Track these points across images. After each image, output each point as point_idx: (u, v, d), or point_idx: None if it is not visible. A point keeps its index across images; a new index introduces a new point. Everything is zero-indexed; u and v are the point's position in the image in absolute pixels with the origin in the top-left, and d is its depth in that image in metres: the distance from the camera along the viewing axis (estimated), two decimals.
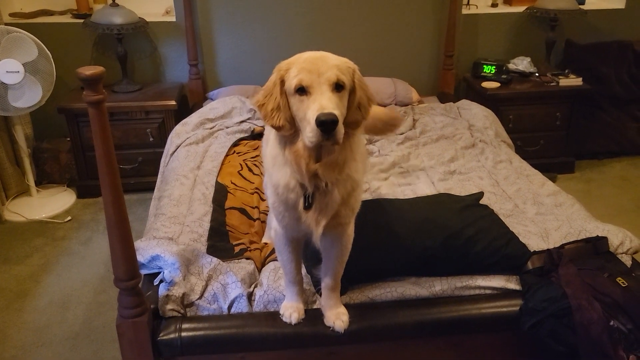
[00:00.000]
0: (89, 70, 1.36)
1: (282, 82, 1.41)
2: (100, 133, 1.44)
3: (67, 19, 3.60)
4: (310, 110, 1.33)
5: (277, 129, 1.43)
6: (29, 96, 3.06)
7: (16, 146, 3.38)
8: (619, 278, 1.81)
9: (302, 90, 1.36)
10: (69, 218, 3.28)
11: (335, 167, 1.44)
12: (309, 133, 1.33)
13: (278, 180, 1.50)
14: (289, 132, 1.41)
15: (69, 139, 3.44)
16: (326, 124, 1.29)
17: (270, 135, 1.58)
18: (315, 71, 1.35)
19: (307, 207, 1.49)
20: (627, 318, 1.70)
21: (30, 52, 3.01)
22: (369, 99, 1.47)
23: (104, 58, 3.60)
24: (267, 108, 1.43)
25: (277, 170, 1.51)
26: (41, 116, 3.50)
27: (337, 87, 1.37)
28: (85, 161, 3.42)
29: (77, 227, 3.21)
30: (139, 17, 3.39)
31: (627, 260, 1.96)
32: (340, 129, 1.33)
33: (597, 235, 2.00)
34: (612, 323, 1.69)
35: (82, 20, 3.43)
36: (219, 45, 3.66)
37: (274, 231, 1.69)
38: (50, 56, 3.10)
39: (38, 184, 3.53)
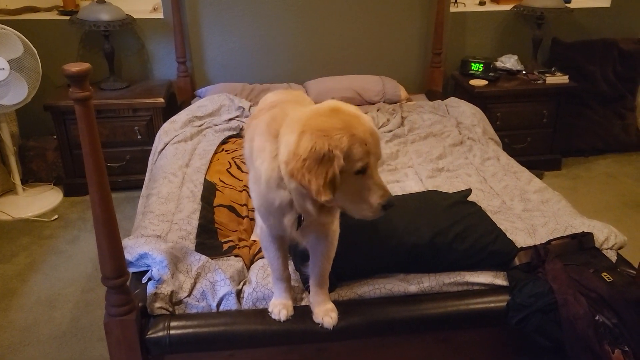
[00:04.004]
0: (75, 67, 1.35)
1: (336, 157, 1.30)
2: (87, 130, 1.43)
3: (53, 15, 3.57)
4: (371, 193, 1.34)
5: (322, 200, 1.33)
6: (15, 93, 3.03)
7: (2, 144, 3.35)
8: (604, 273, 1.83)
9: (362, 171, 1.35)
10: (56, 216, 3.25)
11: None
12: (366, 212, 1.35)
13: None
14: (331, 202, 1.37)
15: (55, 136, 3.41)
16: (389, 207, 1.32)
17: (255, 131, 1.55)
18: (375, 151, 1.34)
19: (298, 226, 1.51)
20: (612, 313, 1.72)
21: (16, 49, 2.98)
22: None
23: (91, 55, 3.57)
24: (319, 183, 1.30)
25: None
26: (27, 114, 3.47)
27: None
28: (72, 159, 3.39)
29: (64, 225, 3.18)
30: (126, 14, 3.37)
31: (612, 256, 1.98)
32: None
33: (583, 231, 2.02)
34: (597, 318, 1.71)
35: (68, 17, 3.40)
36: (207, 43, 3.65)
37: (260, 228, 1.70)
38: (36, 53, 3.07)
39: (24, 182, 3.49)
